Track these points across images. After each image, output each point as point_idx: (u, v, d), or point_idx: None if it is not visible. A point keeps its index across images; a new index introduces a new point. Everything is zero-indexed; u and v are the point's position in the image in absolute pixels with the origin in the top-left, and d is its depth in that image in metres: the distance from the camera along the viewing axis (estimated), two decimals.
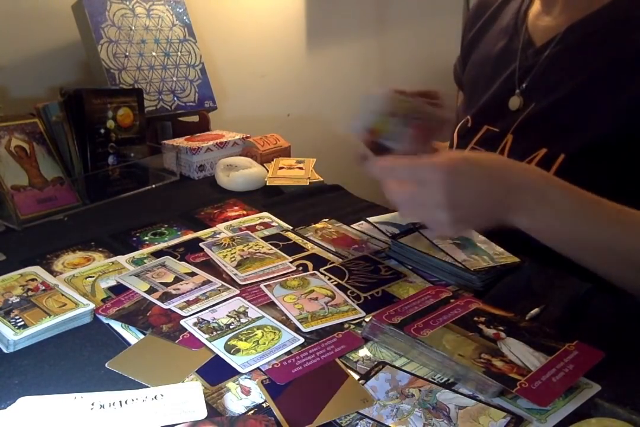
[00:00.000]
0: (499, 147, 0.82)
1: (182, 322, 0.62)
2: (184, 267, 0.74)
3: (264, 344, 0.58)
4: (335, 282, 0.70)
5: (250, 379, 0.54)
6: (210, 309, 0.64)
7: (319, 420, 0.48)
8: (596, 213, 0.60)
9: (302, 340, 0.59)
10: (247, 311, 0.64)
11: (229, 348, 0.57)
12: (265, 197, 1.03)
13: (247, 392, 0.52)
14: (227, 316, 0.63)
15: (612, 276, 0.62)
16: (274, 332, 0.60)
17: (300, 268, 0.74)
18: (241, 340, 0.58)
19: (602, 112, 0.71)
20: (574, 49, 0.76)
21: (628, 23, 0.71)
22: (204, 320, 0.62)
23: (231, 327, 0.61)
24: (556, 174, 0.75)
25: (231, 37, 1.52)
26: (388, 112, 0.74)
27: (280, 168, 1.10)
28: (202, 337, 0.59)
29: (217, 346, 0.58)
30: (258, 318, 0.62)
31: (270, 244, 0.80)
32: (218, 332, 0.60)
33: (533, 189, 0.58)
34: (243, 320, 0.62)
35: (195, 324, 0.61)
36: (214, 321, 0.62)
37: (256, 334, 0.59)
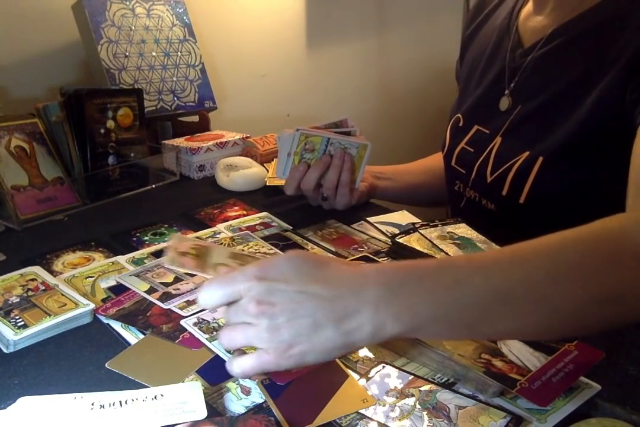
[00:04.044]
0: (487, 149, 0.82)
1: (182, 322, 0.62)
2: None
3: None
4: None
5: (250, 379, 0.54)
6: None
7: (319, 420, 0.48)
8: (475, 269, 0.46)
9: None
10: None
11: None
12: (265, 197, 1.03)
13: (247, 392, 0.52)
14: None
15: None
16: None
17: None
18: None
19: (578, 115, 0.71)
20: (558, 52, 0.76)
21: (612, 25, 0.70)
22: (204, 320, 0.62)
23: None
24: (535, 177, 0.75)
25: (231, 37, 1.51)
26: (302, 149, 0.85)
27: None
28: (202, 337, 0.59)
29: (217, 346, 0.58)
30: None
31: (271, 244, 0.80)
32: (218, 332, 0.60)
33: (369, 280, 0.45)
34: None
35: (195, 324, 0.61)
36: (214, 321, 0.62)
37: None
